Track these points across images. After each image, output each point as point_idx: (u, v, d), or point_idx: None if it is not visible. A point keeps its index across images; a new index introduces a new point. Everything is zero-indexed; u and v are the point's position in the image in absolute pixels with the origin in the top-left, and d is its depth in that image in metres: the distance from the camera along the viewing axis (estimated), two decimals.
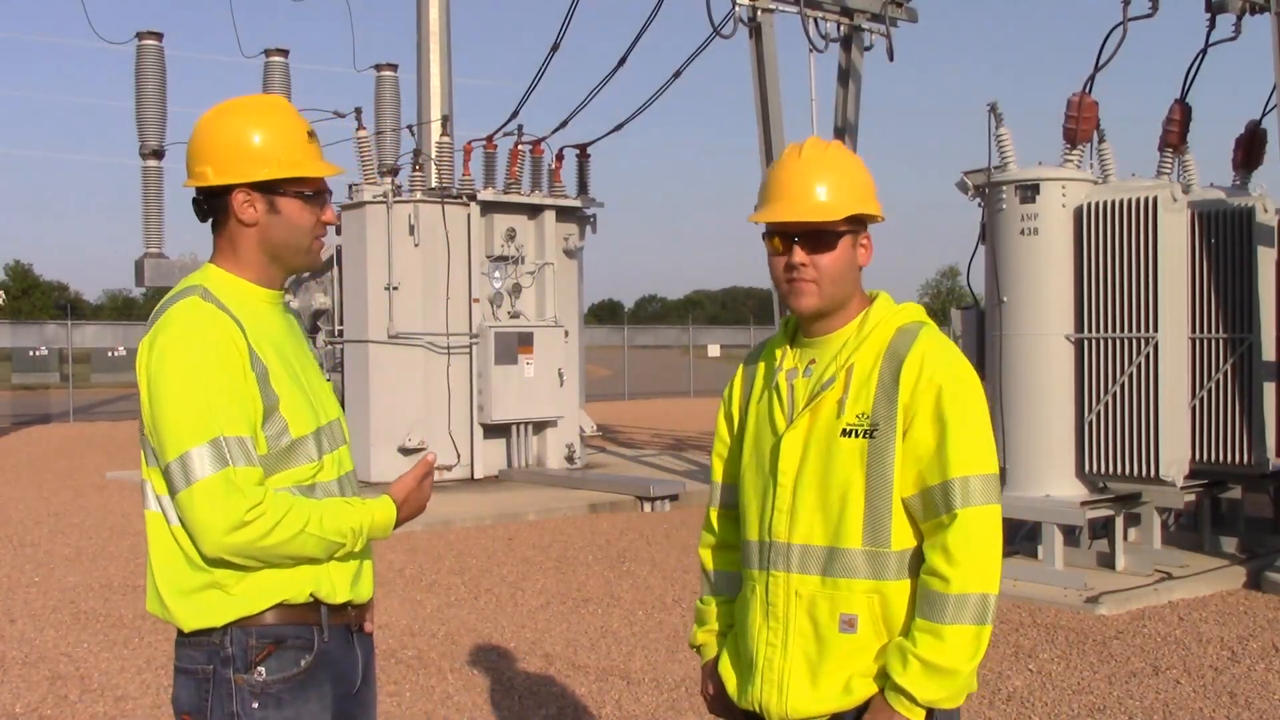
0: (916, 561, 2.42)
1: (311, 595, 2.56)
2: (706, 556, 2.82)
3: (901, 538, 2.42)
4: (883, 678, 2.41)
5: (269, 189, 2.59)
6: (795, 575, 2.47)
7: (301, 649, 2.55)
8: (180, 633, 2.55)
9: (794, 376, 2.55)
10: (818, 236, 2.46)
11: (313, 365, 2.76)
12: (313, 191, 2.64)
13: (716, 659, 2.73)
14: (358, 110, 14.80)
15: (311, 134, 2.66)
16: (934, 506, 2.38)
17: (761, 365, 2.65)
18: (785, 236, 2.49)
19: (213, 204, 2.62)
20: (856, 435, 2.43)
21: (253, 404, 2.49)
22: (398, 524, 2.70)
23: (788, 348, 2.59)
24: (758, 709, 2.54)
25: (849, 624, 2.42)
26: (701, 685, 2.81)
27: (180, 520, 2.47)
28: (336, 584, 2.60)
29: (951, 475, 2.36)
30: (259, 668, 2.51)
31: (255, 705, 2.50)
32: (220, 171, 2.57)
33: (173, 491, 2.45)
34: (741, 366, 2.75)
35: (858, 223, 2.52)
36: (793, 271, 2.48)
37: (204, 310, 2.51)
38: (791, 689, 2.47)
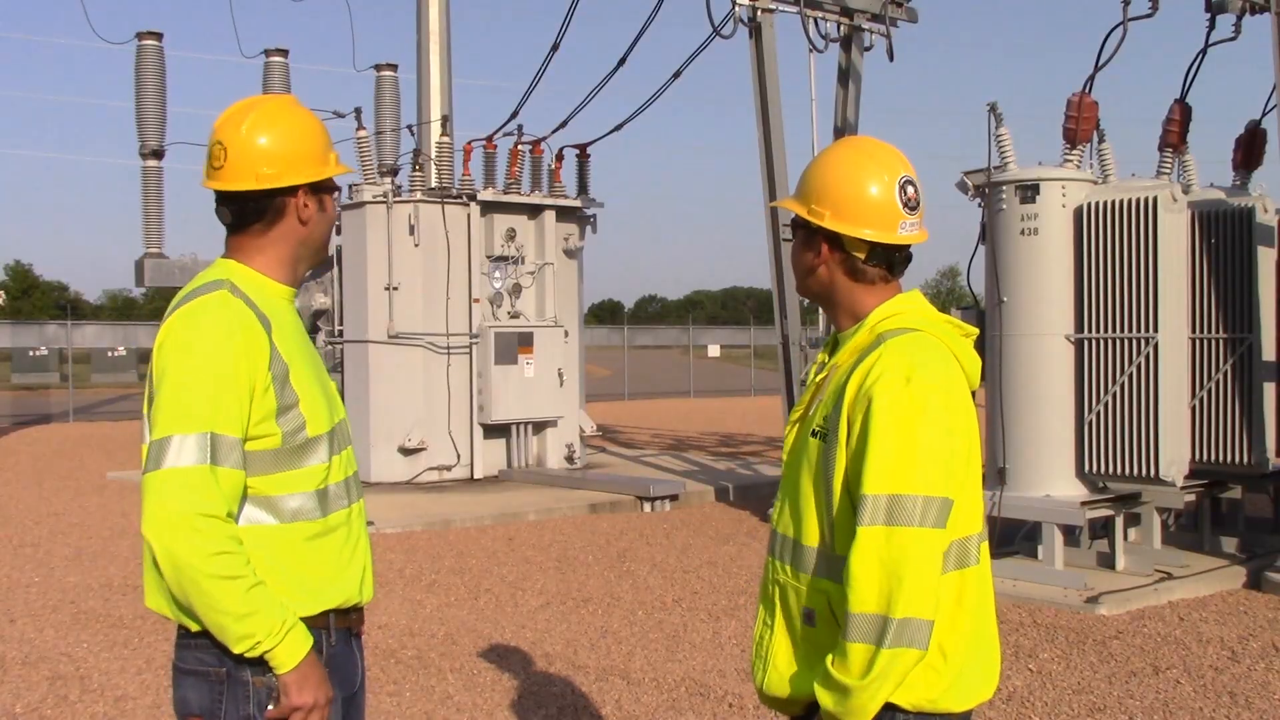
0: None
1: (324, 611, 2.56)
2: None
3: (845, 542, 2.38)
4: None
5: (318, 188, 2.65)
6: (778, 563, 2.56)
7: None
8: (186, 633, 2.48)
9: (821, 371, 2.63)
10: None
11: (321, 364, 2.77)
12: (331, 190, 2.72)
13: None
14: (358, 110, 14.81)
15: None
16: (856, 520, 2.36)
17: None
18: None
19: (259, 204, 2.59)
20: (817, 436, 2.47)
21: (248, 410, 2.45)
22: (289, 676, 2.43)
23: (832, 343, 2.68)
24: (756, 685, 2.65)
25: (808, 618, 2.47)
26: None
27: (143, 497, 2.37)
28: (350, 592, 2.62)
29: (863, 491, 2.31)
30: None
31: (271, 707, 2.47)
32: (286, 172, 2.58)
33: (147, 469, 2.37)
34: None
35: (811, 225, 2.50)
36: None
37: (233, 305, 2.49)
38: (771, 669, 2.54)
